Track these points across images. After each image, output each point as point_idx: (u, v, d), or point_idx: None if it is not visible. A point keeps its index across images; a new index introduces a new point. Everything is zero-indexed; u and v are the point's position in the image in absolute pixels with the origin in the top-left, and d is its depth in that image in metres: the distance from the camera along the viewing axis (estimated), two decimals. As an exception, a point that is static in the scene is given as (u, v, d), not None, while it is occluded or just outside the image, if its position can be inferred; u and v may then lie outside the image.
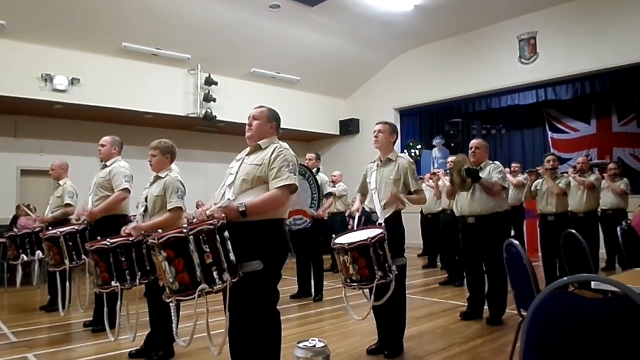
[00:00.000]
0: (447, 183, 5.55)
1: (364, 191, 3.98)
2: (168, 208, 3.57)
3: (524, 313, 2.48)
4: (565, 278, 1.63)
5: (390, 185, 3.67)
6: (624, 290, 1.46)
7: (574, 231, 3.66)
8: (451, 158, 5.98)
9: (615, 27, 8.85)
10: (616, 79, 9.34)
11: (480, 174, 4.55)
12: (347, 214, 8.86)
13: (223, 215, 2.45)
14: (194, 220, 2.62)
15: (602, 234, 7.18)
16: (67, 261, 4.17)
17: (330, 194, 6.22)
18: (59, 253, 4.19)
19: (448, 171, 4.89)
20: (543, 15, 9.77)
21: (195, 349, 3.54)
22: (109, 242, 3.38)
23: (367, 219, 3.82)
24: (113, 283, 3.35)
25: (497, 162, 4.84)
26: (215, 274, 2.38)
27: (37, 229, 5.24)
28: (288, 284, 6.12)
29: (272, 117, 2.87)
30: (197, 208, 2.89)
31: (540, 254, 6.37)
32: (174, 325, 2.59)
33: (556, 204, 5.90)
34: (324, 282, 6.03)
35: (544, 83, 10.07)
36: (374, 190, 3.76)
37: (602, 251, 7.28)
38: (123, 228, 3.61)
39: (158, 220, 3.54)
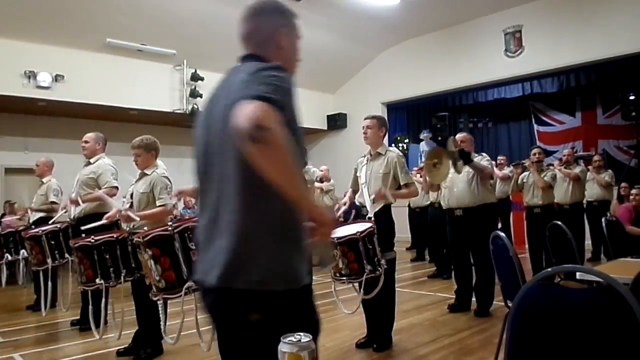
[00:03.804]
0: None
1: (355, 186, 3.97)
2: (158, 204, 3.55)
3: (510, 304, 2.51)
4: (549, 269, 1.65)
5: (380, 179, 3.67)
6: (607, 281, 1.47)
7: (559, 223, 3.70)
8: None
9: (599, 21, 8.92)
10: (601, 71, 9.42)
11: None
12: (335, 208, 8.87)
13: None
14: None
15: (587, 226, 7.26)
16: (49, 260, 4.12)
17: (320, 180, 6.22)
18: (41, 252, 4.14)
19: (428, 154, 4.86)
20: (528, 8, 9.83)
21: (184, 345, 3.53)
22: (93, 239, 3.35)
23: (358, 213, 3.83)
24: (97, 280, 3.33)
25: (483, 154, 4.87)
26: (202, 270, 2.37)
27: (21, 228, 5.17)
28: (277, 280, 6.11)
29: None
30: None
31: (527, 246, 6.43)
32: (162, 322, 2.58)
33: (542, 197, 5.95)
34: (313, 277, 6.02)
35: (530, 76, 10.14)
36: (364, 185, 3.76)
37: (588, 242, 7.37)
38: (113, 213, 3.62)
39: (150, 212, 3.52)
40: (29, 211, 5.50)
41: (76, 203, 4.27)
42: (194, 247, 2.37)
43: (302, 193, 1.27)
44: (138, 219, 3.48)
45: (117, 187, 4.39)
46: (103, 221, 3.64)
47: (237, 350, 1.37)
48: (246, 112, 1.15)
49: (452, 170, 4.49)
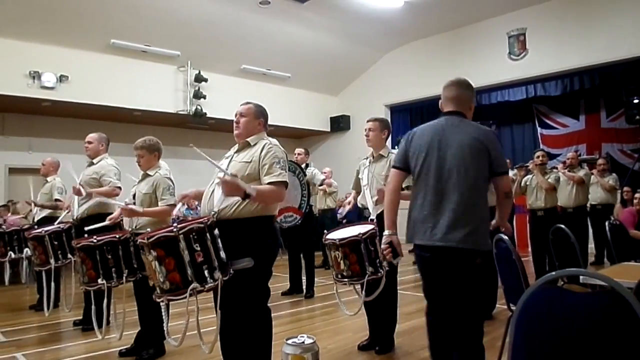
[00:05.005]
0: None
1: (357, 188, 3.98)
2: (161, 205, 3.55)
3: (513, 308, 2.50)
4: (553, 273, 1.64)
5: (382, 182, 3.67)
6: (611, 285, 1.47)
7: (563, 226, 3.69)
8: None
9: (603, 24, 8.90)
10: (605, 75, 9.39)
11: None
12: (339, 211, 8.88)
13: (228, 183, 2.42)
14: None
15: (591, 229, 7.23)
16: (52, 260, 4.12)
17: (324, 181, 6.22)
18: (44, 252, 4.15)
19: None
20: (532, 11, 9.82)
21: (186, 347, 3.52)
22: (95, 239, 3.36)
23: (360, 215, 3.83)
24: (99, 281, 3.33)
25: None
26: (206, 272, 2.37)
27: (25, 227, 5.19)
28: (279, 281, 6.12)
29: (259, 113, 2.85)
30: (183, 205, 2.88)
31: (530, 249, 6.41)
32: (164, 324, 2.58)
33: (546, 199, 5.93)
34: (316, 279, 6.03)
35: (534, 79, 10.11)
36: (366, 187, 3.76)
37: (591, 246, 7.34)
38: (117, 215, 3.64)
39: (152, 209, 3.52)
40: (33, 206, 5.51)
41: (79, 193, 4.28)
42: (198, 249, 2.37)
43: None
44: (141, 209, 3.49)
45: (119, 187, 4.40)
46: (106, 222, 3.65)
47: (463, 286, 2.38)
48: (507, 184, 2.49)
49: None
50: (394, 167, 2.62)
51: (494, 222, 2.55)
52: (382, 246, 2.60)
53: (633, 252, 4.22)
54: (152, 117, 10.20)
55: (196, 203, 5.80)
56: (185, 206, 8.88)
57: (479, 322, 2.48)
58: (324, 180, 6.15)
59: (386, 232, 2.61)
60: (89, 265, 3.37)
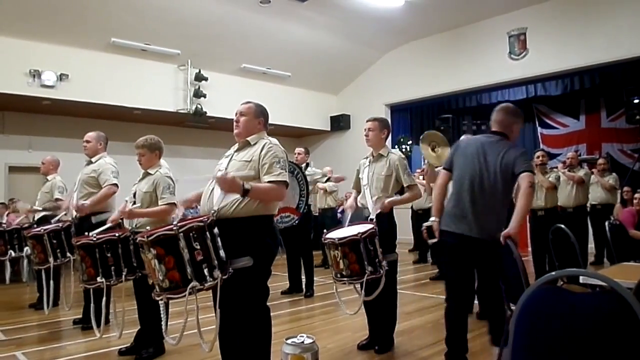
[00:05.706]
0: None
1: (358, 187, 3.97)
2: (160, 204, 3.54)
3: (513, 307, 2.50)
4: (553, 273, 1.64)
5: (382, 181, 3.67)
6: (611, 285, 1.47)
7: (563, 226, 3.69)
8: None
9: (604, 24, 8.90)
10: (605, 75, 9.39)
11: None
12: (339, 210, 8.88)
13: (225, 179, 2.44)
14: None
15: (590, 229, 7.23)
16: (51, 259, 4.12)
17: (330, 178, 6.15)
18: (43, 251, 4.14)
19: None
20: (533, 11, 9.81)
21: (186, 345, 3.53)
22: (95, 237, 3.36)
23: (358, 215, 3.82)
24: (99, 279, 3.34)
25: None
26: (205, 271, 2.38)
27: (26, 225, 5.19)
28: (279, 280, 6.12)
29: (259, 113, 2.85)
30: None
31: (530, 248, 6.40)
32: (163, 323, 2.58)
33: (546, 199, 5.93)
34: (315, 278, 6.03)
35: (534, 79, 10.12)
36: (366, 186, 3.75)
37: (591, 246, 7.34)
38: (116, 216, 3.63)
39: (152, 209, 3.52)
40: (33, 212, 5.51)
41: (80, 211, 4.27)
42: (198, 247, 2.37)
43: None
44: (140, 210, 3.49)
45: (116, 185, 4.38)
46: (108, 225, 3.65)
47: (490, 261, 3.01)
48: (530, 179, 2.85)
49: None
50: (443, 168, 3.26)
51: (504, 232, 2.77)
52: (422, 227, 3.22)
53: (633, 252, 4.22)
54: (152, 116, 10.20)
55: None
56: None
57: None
58: (329, 178, 6.10)
59: (432, 218, 3.18)
60: (88, 264, 3.37)
